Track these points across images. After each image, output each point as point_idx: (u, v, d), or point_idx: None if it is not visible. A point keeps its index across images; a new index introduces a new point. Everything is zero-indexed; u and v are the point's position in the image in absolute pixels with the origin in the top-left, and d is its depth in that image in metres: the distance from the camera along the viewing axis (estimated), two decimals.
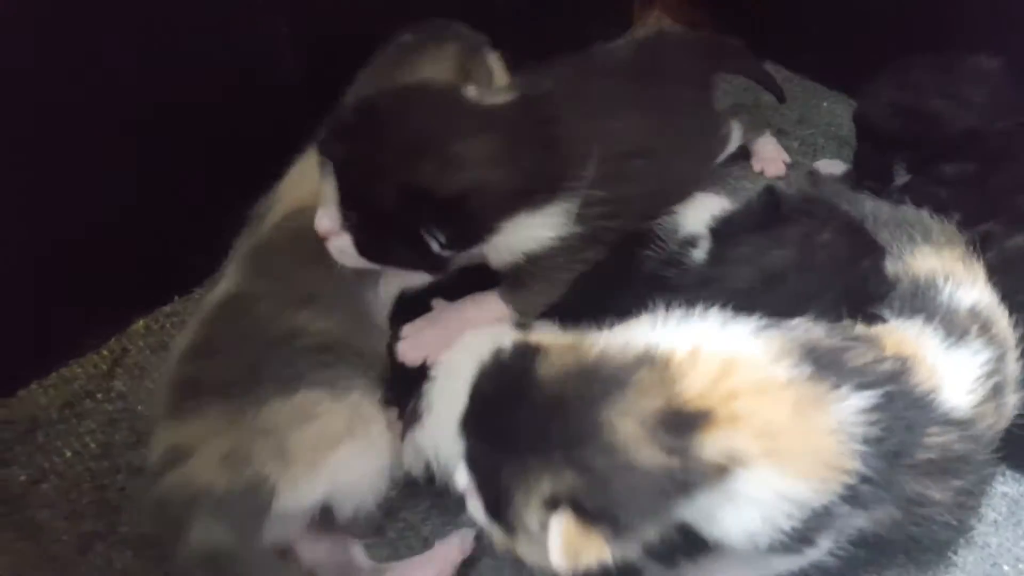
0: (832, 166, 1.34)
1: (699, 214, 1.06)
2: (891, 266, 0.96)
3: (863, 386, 0.73)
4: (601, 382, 0.69)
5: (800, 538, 0.72)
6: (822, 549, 0.76)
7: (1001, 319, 0.89)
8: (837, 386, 0.72)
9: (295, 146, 1.05)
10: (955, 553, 0.93)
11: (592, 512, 0.67)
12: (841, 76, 1.47)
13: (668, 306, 0.77)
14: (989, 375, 0.81)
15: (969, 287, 0.89)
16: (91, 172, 1.04)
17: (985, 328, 0.85)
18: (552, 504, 0.68)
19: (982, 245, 1.06)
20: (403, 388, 0.93)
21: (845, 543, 0.78)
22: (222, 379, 0.87)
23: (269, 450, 0.84)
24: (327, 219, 0.89)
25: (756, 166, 1.36)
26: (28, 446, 1.04)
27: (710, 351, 0.71)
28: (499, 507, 0.71)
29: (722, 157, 1.24)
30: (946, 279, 0.90)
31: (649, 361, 0.70)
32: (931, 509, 0.78)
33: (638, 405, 0.68)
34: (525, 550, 0.71)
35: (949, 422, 0.78)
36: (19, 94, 0.95)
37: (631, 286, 1.00)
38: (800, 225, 0.96)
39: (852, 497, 0.71)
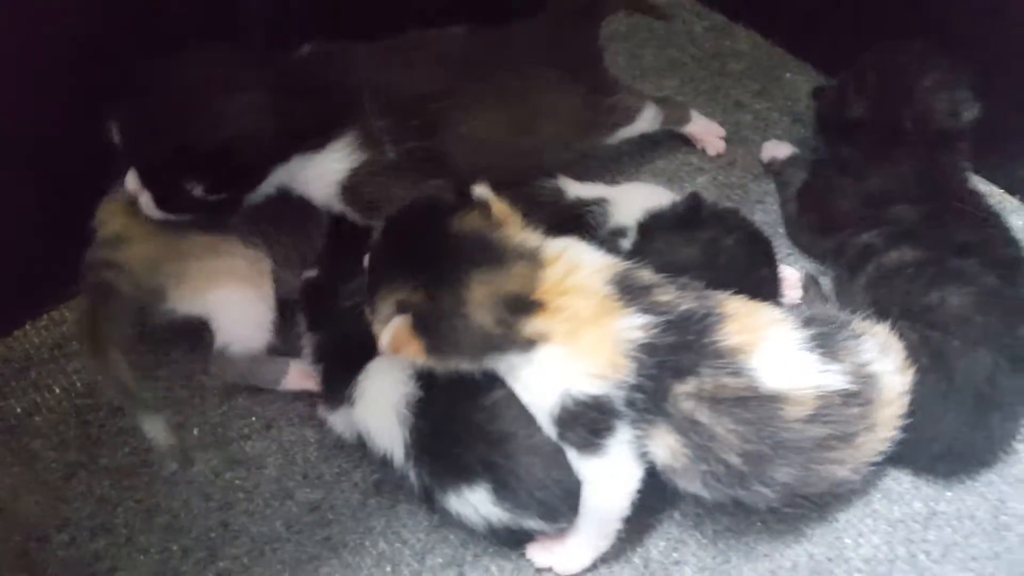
0: (779, 148, 1.39)
1: (631, 207, 1.16)
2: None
3: (649, 311, 0.91)
4: (488, 252, 0.90)
5: (590, 430, 0.91)
6: (616, 456, 0.92)
7: (876, 361, 0.95)
8: (629, 305, 0.91)
9: None
10: (806, 526, 1.06)
11: (424, 328, 0.89)
12: (809, 45, 1.51)
13: None
14: (830, 399, 0.91)
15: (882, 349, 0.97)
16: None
17: (849, 351, 0.94)
18: (402, 308, 0.90)
19: (857, 260, 1.16)
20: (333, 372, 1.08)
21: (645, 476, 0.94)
22: None
23: (173, 267, 1.08)
24: (131, 178, 1.04)
25: (697, 146, 1.42)
26: (23, 382, 1.18)
27: (567, 257, 0.93)
28: (373, 293, 0.93)
29: (625, 133, 1.30)
30: (850, 323, 0.98)
31: (529, 257, 0.92)
32: (715, 445, 0.90)
33: (498, 283, 0.89)
34: (376, 328, 0.93)
35: (739, 373, 0.89)
36: None
37: None
38: (711, 230, 1.07)
39: (627, 400, 0.89)
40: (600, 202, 1.17)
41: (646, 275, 0.94)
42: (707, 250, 1.06)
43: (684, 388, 0.89)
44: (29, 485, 1.10)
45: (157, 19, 1.14)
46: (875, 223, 1.17)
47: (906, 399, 0.97)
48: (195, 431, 1.14)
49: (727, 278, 1.00)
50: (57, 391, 1.18)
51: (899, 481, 1.09)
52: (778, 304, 1.05)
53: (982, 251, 1.09)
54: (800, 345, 0.92)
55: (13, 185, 1.14)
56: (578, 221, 1.16)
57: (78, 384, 1.18)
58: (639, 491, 0.95)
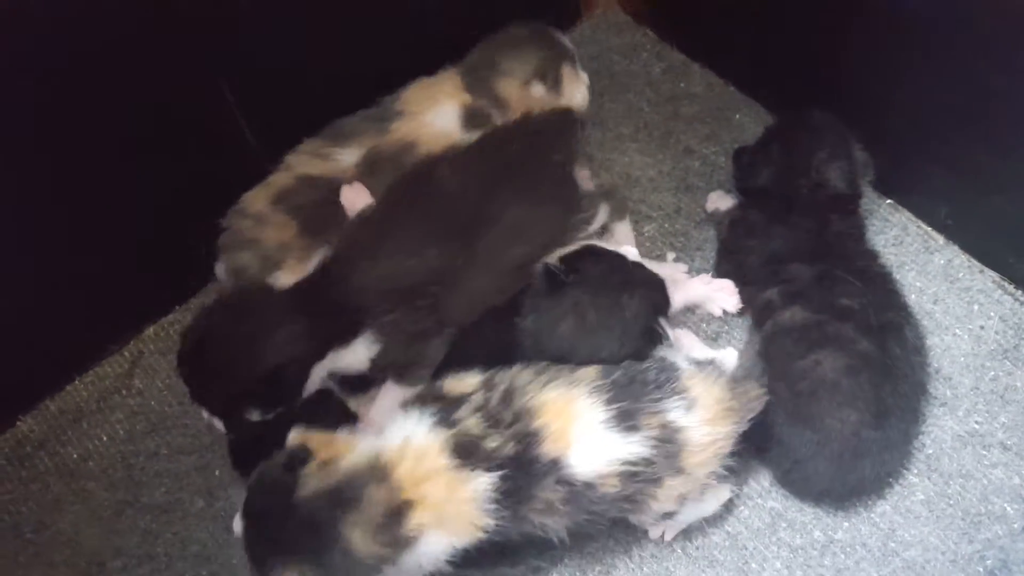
0: (722, 200, 1.51)
1: None
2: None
3: (487, 468, 1.05)
4: (341, 502, 1.03)
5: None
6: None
7: (683, 418, 1.10)
8: (470, 467, 1.05)
9: None
10: (719, 552, 1.27)
11: None
12: (760, 84, 1.62)
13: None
14: (632, 465, 1.08)
15: (688, 406, 1.11)
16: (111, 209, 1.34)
17: (651, 415, 1.09)
18: None
19: (760, 315, 1.33)
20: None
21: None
22: None
23: None
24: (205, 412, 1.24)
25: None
26: (76, 431, 1.43)
27: (408, 449, 1.06)
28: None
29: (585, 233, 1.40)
30: (665, 384, 1.12)
31: (377, 470, 1.05)
32: (547, 525, 1.10)
33: (366, 516, 1.03)
34: None
35: (562, 480, 1.06)
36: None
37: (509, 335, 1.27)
38: (576, 293, 1.20)
39: (487, 535, 1.06)
40: None
41: (472, 425, 1.08)
42: (576, 313, 1.18)
43: (528, 508, 1.07)
44: (88, 520, 1.36)
45: None
46: (776, 281, 1.32)
47: (721, 446, 1.12)
48: (216, 472, 1.38)
49: (603, 336, 1.17)
50: (104, 439, 1.42)
51: (803, 512, 1.28)
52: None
53: (861, 315, 1.24)
54: (603, 427, 1.08)
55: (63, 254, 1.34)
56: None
57: (121, 432, 1.42)
58: None
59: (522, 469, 1.07)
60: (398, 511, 1.04)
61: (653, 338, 1.20)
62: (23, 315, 1.34)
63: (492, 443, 1.07)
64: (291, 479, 1.05)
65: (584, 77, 1.51)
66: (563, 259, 1.22)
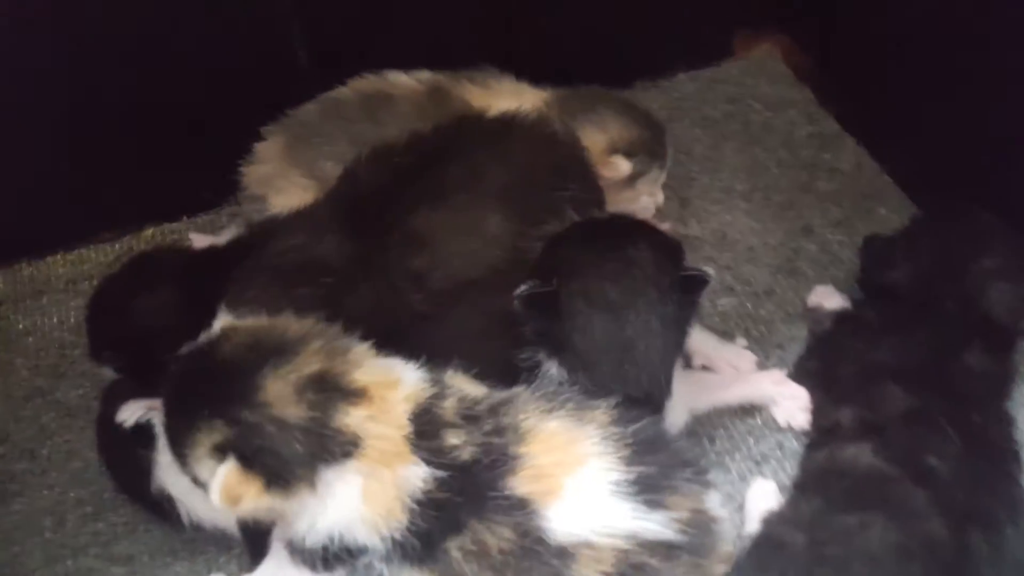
0: (830, 296, 1.20)
1: None
2: None
3: (432, 461, 0.82)
4: (270, 351, 0.83)
5: (326, 562, 0.84)
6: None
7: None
8: (417, 449, 0.83)
9: None
10: None
11: (252, 460, 0.80)
12: (920, 178, 1.31)
13: None
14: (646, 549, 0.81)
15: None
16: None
17: (683, 495, 0.84)
18: (221, 450, 0.81)
19: (821, 436, 1.02)
20: None
21: None
22: None
23: None
24: None
25: None
26: (35, 303, 1.31)
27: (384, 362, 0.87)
28: (181, 447, 0.84)
29: None
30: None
31: (325, 338, 0.85)
32: None
33: (295, 369, 0.82)
34: (203, 483, 0.84)
35: (523, 530, 0.80)
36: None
37: None
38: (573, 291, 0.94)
39: (385, 553, 0.82)
40: None
41: (448, 408, 0.86)
42: (595, 307, 0.93)
43: (456, 542, 0.81)
44: None
45: None
46: (859, 400, 1.00)
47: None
48: None
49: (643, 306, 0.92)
50: (55, 320, 1.30)
51: None
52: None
53: (947, 487, 0.89)
54: (614, 489, 0.82)
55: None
56: None
57: (72, 320, 1.29)
58: None
59: (469, 487, 0.82)
60: (338, 388, 0.83)
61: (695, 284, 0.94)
62: (39, 168, 1.27)
63: (454, 439, 0.84)
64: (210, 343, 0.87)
65: (660, 198, 1.28)
66: (533, 271, 0.95)
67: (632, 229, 0.97)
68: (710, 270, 0.95)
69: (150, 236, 1.37)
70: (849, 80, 1.41)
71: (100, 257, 1.36)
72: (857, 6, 1.39)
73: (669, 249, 0.96)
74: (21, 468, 1.16)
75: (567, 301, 0.92)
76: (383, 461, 0.82)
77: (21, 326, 1.30)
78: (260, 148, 1.25)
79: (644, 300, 0.92)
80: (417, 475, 0.82)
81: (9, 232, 1.33)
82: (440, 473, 0.82)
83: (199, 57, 1.25)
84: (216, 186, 1.34)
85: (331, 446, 0.82)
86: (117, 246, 1.36)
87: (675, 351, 0.96)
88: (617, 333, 0.92)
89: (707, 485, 0.87)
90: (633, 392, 0.91)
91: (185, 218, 1.38)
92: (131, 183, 1.32)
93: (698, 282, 0.94)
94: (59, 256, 1.36)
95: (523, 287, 0.92)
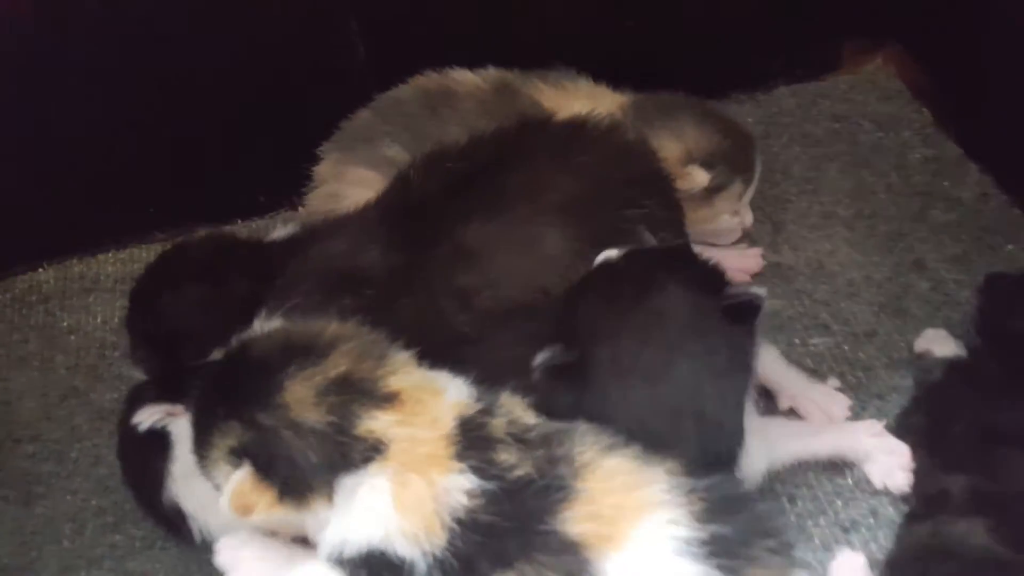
0: (941, 342, 1.03)
1: None
2: None
3: (479, 472, 0.73)
4: (298, 352, 0.77)
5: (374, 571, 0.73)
6: None
7: None
8: (460, 459, 0.74)
9: None
10: None
11: (266, 468, 0.74)
12: None
13: None
14: None
15: None
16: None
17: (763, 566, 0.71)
18: (236, 454, 0.76)
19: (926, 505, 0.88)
20: None
21: None
22: None
23: None
24: None
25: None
26: (81, 301, 1.29)
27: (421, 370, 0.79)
28: (203, 448, 0.79)
29: None
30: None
31: (360, 340, 0.78)
32: None
33: (320, 371, 0.76)
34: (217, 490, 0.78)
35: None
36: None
37: None
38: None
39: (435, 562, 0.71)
40: None
41: (498, 426, 0.75)
42: (630, 361, 0.82)
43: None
44: (34, 392, 1.20)
45: None
46: (974, 467, 0.85)
47: None
48: None
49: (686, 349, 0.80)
50: (98, 320, 1.26)
51: None
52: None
53: None
54: (682, 546, 0.69)
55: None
56: None
57: (115, 320, 1.25)
58: None
59: (520, 512, 0.72)
60: (363, 391, 0.76)
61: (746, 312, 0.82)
62: (98, 165, 1.25)
63: (505, 455, 0.75)
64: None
65: (748, 218, 1.15)
66: (557, 336, 0.83)
67: (655, 267, 0.84)
68: (761, 291, 0.82)
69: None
70: (973, 100, 1.24)
71: (151, 257, 1.26)
72: (984, 17, 1.22)
73: (705, 280, 0.84)
74: (48, 470, 1.12)
75: (595, 372, 0.80)
76: (414, 467, 0.74)
77: (65, 324, 1.27)
78: (318, 171, 1.18)
79: (685, 354, 0.79)
80: (461, 486, 0.73)
81: (63, 228, 1.31)
82: (489, 486, 0.72)
83: (258, 57, 1.21)
84: (271, 190, 1.30)
85: (350, 453, 0.74)
86: (168, 246, 1.30)
87: (739, 395, 0.82)
88: (661, 400, 0.79)
89: (793, 562, 0.73)
90: (696, 456, 0.77)
91: (239, 221, 1.33)
92: (186, 183, 1.29)
93: (749, 308, 0.81)
94: (110, 254, 1.33)
95: (542, 355, 0.80)
